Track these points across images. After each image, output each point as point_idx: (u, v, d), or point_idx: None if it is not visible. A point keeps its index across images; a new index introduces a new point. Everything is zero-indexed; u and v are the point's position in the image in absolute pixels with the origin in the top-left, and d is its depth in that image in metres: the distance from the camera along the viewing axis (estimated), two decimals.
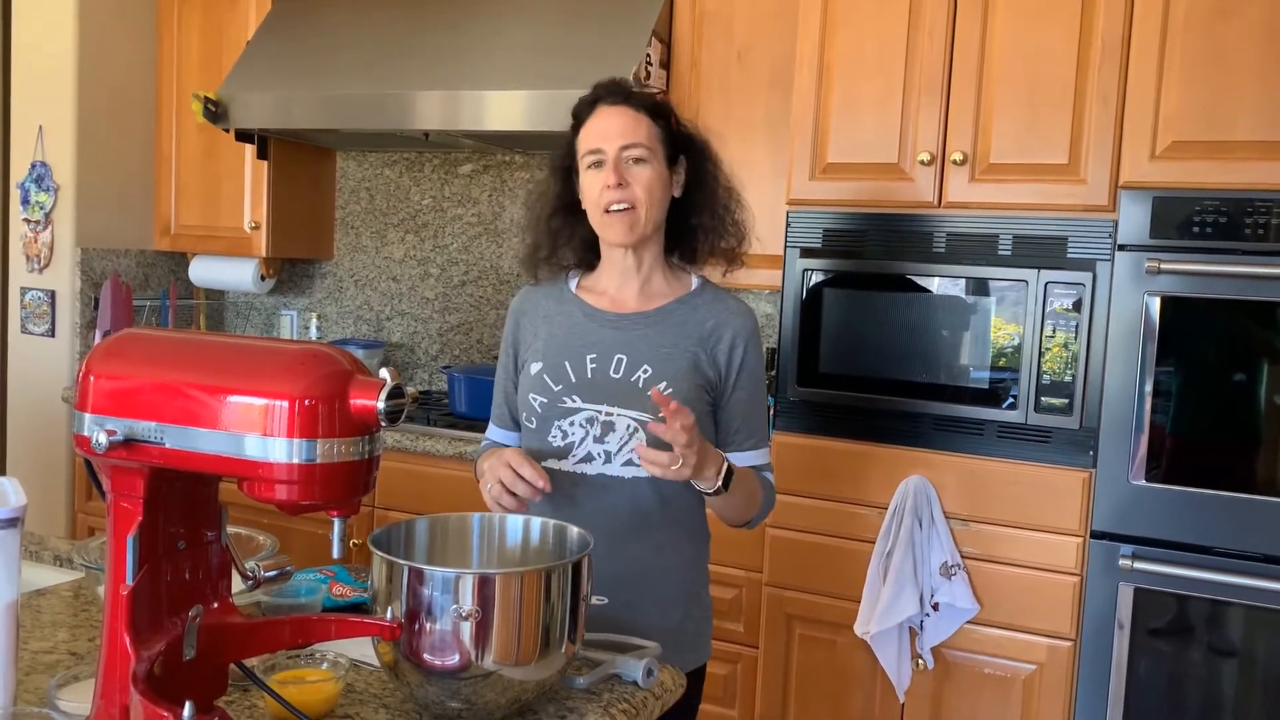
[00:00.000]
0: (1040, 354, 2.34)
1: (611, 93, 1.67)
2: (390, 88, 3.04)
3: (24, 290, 3.67)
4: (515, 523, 1.44)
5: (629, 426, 1.63)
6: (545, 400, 1.67)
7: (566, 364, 1.67)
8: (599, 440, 1.64)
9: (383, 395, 1.03)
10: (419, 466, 3.02)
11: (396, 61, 3.10)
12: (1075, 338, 2.31)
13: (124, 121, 3.66)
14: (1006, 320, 2.37)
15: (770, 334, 3.08)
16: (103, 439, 1.02)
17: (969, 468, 2.40)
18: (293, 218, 3.65)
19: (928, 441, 2.44)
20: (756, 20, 2.87)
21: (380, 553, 1.21)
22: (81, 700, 1.13)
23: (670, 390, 1.63)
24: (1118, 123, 2.28)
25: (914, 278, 2.45)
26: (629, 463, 1.63)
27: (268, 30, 3.36)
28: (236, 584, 1.19)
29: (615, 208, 1.62)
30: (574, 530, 1.38)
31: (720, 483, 1.56)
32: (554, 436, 1.66)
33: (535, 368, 1.70)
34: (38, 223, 3.59)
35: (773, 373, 2.71)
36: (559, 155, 1.73)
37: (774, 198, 2.74)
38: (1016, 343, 2.36)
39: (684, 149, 1.71)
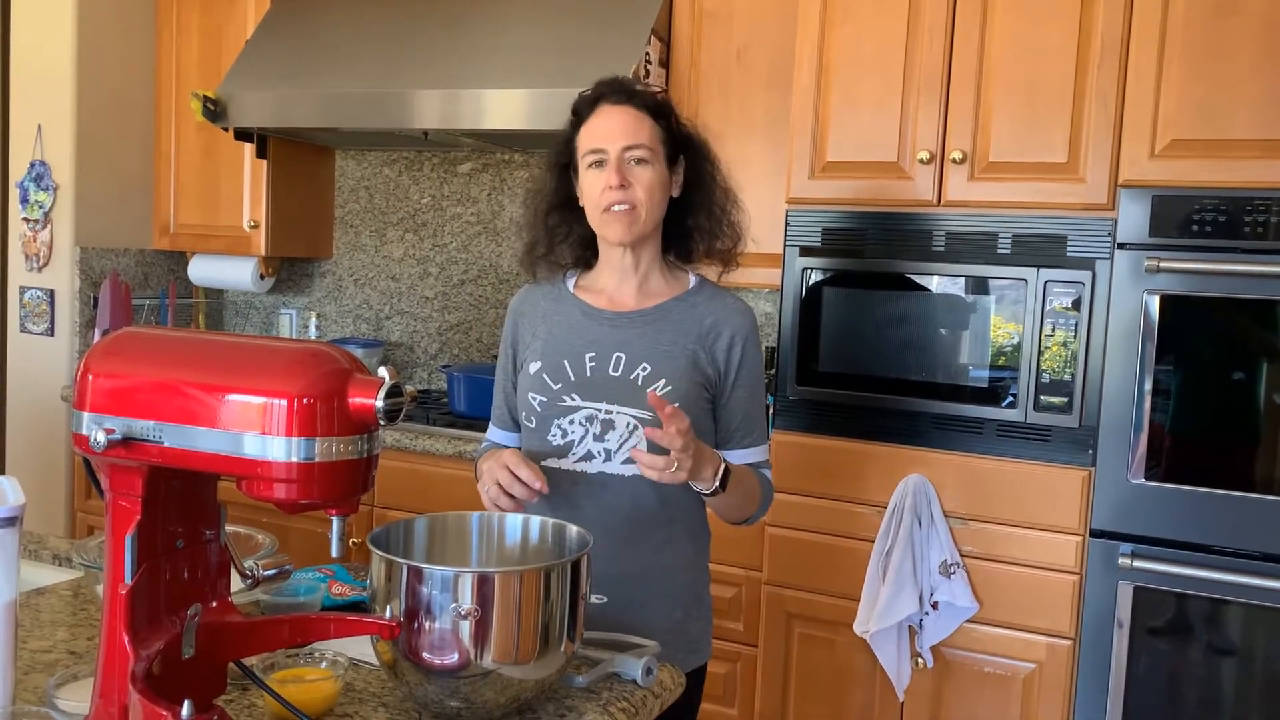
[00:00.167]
0: (1039, 353, 2.34)
1: (614, 91, 1.67)
2: (389, 86, 3.04)
3: (23, 289, 3.67)
4: (514, 521, 1.44)
5: (628, 424, 1.63)
6: (544, 399, 1.67)
7: (565, 363, 1.67)
8: (599, 438, 1.64)
9: (381, 394, 1.03)
10: (418, 465, 3.02)
11: (395, 60, 3.10)
12: (1074, 336, 2.31)
13: (123, 121, 3.66)
14: (1006, 319, 2.37)
15: (769, 333, 3.08)
16: (101, 438, 1.02)
17: (968, 466, 2.40)
18: (292, 217, 3.65)
19: (927, 440, 2.44)
20: (756, 19, 2.87)
21: (379, 551, 1.21)
22: (80, 699, 1.13)
23: (669, 388, 1.63)
24: (1117, 121, 2.28)
25: (913, 276, 2.45)
26: (629, 461, 1.63)
27: (266, 29, 3.36)
28: (235, 583, 1.19)
29: (617, 208, 1.62)
30: (573, 529, 1.38)
31: (717, 483, 1.56)
32: (553, 435, 1.66)
33: (534, 367, 1.70)
34: (37, 222, 3.59)
35: (772, 371, 2.71)
36: (557, 151, 1.73)
37: (773, 196, 2.74)
38: (1016, 341, 2.36)
39: (683, 149, 1.70)
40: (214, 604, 1.15)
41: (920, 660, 2.43)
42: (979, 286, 2.39)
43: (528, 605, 1.18)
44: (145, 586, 1.06)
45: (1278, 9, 2.15)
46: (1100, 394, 2.29)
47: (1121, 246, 2.26)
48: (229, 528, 1.20)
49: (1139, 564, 2.25)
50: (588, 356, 1.67)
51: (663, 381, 1.63)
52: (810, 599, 2.56)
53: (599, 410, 1.64)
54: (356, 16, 3.26)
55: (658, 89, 1.76)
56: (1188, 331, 2.22)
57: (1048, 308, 2.32)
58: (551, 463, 1.66)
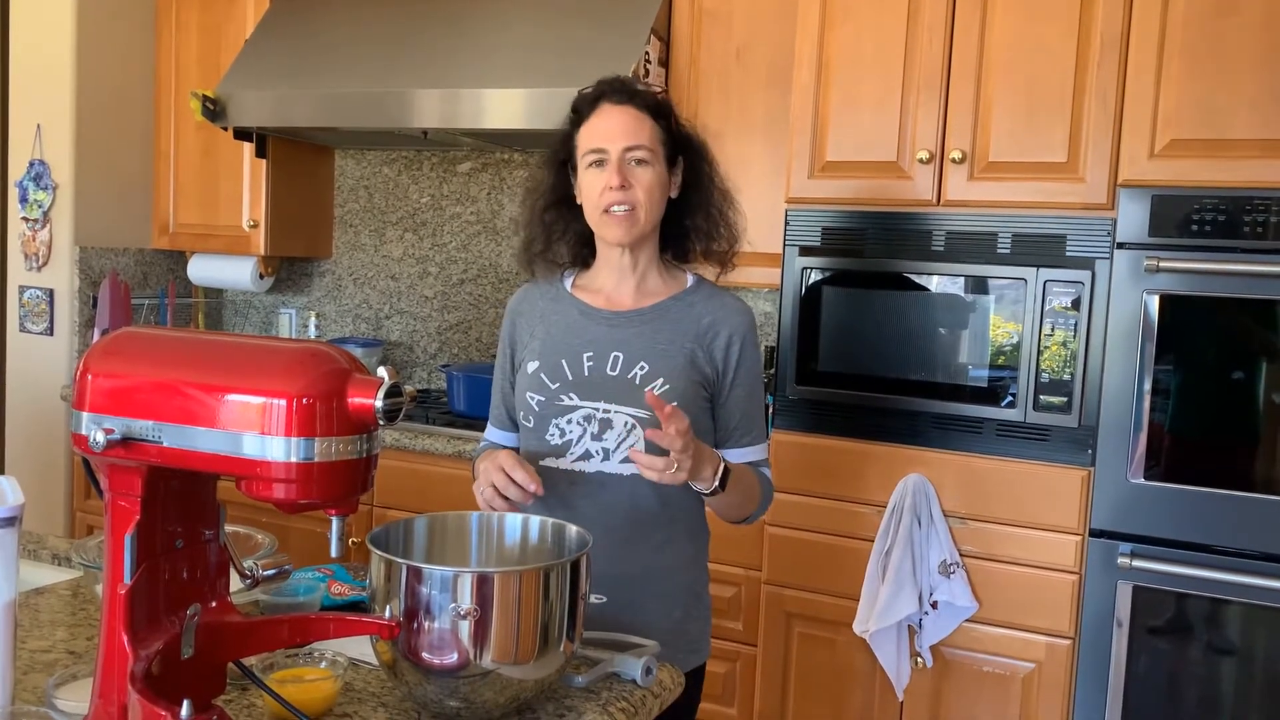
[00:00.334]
0: (1039, 352, 2.34)
1: (616, 91, 1.66)
2: (388, 86, 3.04)
3: (22, 289, 3.67)
4: (514, 521, 1.44)
5: (626, 423, 1.63)
6: (542, 399, 1.67)
7: (563, 362, 1.67)
8: (596, 438, 1.64)
9: (381, 394, 1.03)
10: (417, 465, 3.02)
11: (395, 60, 3.10)
12: (1074, 336, 2.31)
13: (122, 120, 3.66)
14: (1005, 319, 2.37)
15: (769, 332, 3.08)
16: (100, 438, 1.02)
17: (968, 466, 2.40)
18: (291, 216, 3.65)
19: (926, 440, 2.44)
20: (755, 18, 2.87)
21: (379, 551, 1.21)
22: (80, 699, 1.13)
23: (667, 387, 1.63)
24: (1116, 121, 2.28)
25: (913, 276, 2.45)
26: (627, 460, 1.63)
27: (266, 28, 3.36)
28: (235, 583, 1.19)
29: (616, 209, 1.62)
30: (573, 529, 1.38)
31: (717, 483, 1.56)
32: (551, 435, 1.66)
33: (532, 366, 1.70)
34: (36, 221, 3.59)
35: (771, 371, 2.71)
36: (556, 149, 1.73)
37: (773, 196, 2.74)
38: (1015, 341, 2.36)
39: (682, 150, 1.70)
40: (213, 604, 1.15)
41: (920, 660, 2.43)
42: (978, 286, 2.39)
43: (527, 605, 1.18)
44: (144, 586, 1.06)
45: (1278, 9, 2.15)
46: (1100, 394, 2.29)
47: (1121, 246, 2.26)
48: (228, 527, 1.20)
49: (1138, 564, 2.25)
50: (585, 356, 1.67)
51: (660, 380, 1.63)
52: (810, 598, 2.56)
53: (597, 409, 1.64)
54: (356, 16, 3.26)
55: (658, 89, 1.76)
56: (1187, 331, 2.22)
57: (1047, 307, 2.32)
58: (549, 462, 1.66)
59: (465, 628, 1.15)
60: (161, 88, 3.68)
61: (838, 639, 2.53)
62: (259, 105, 3.20)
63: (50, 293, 3.62)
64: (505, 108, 2.89)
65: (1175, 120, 2.23)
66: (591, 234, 1.71)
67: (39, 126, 3.57)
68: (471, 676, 1.16)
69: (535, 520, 1.43)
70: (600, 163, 1.63)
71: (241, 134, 3.41)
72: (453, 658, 1.15)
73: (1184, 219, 2.21)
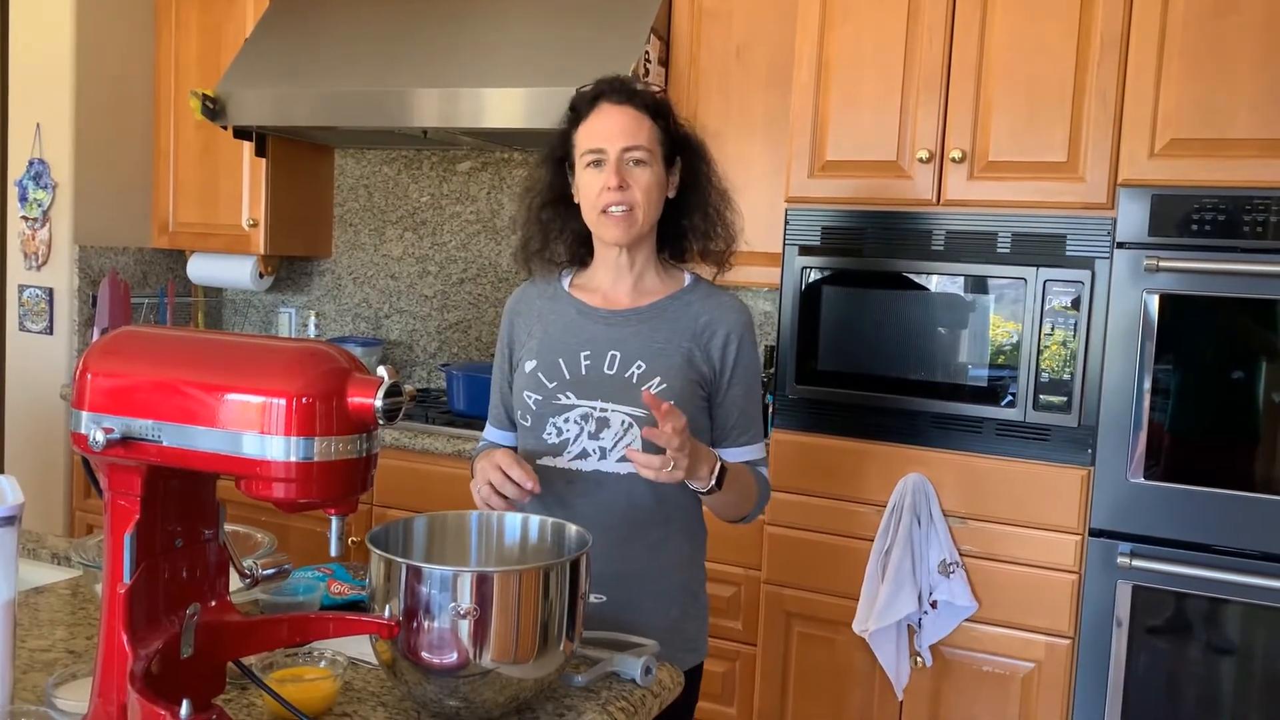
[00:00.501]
0: (1039, 352, 2.34)
1: (614, 90, 1.66)
2: (388, 85, 3.04)
3: (22, 288, 3.67)
4: (514, 521, 1.44)
5: (623, 422, 1.63)
6: (540, 398, 1.67)
7: (560, 361, 1.67)
8: (594, 437, 1.64)
9: (380, 393, 1.03)
10: (417, 464, 3.02)
11: (394, 59, 3.10)
12: (1074, 335, 2.31)
13: (122, 119, 3.66)
14: (1005, 318, 2.37)
15: (769, 332, 3.08)
16: (100, 437, 1.02)
17: (967, 465, 2.40)
18: (291, 215, 3.64)
19: (926, 439, 2.44)
20: (755, 17, 2.87)
21: (378, 551, 1.21)
22: (79, 699, 1.13)
23: (664, 386, 1.63)
24: (1116, 120, 2.28)
25: (912, 275, 2.45)
26: (624, 459, 1.63)
27: (266, 27, 3.36)
28: (234, 582, 1.19)
29: (615, 210, 1.62)
30: (572, 528, 1.38)
31: (713, 481, 1.56)
32: (549, 434, 1.66)
33: (529, 366, 1.70)
34: (35, 220, 3.59)
35: (771, 370, 2.71)
36: (553, 147, 1.72)
37: (772, 195, 2.74)
38: (1015, 340, 2.36)
39: (680, 149, 1.70)
40: (213, 603, 1.15)
41: (919, 659, 2.43)
42: (978, 286, 2.39)
43: (527, 604, 1.18)
44: (144, 586, 1.06)
45: (1277, 9, 2.15)
46: (1099, 393, 2.29)
47: (1121, 246, 2.26)
48: (228, 527, 1.20)
49: (1138, 563, 2.25)
50: (583, 355, 1.67)
51: (657, 379, 1.63)
52: (809, 598, 2.56)
53: (594, 408, 1.64)
54: (355, 15, 3.26)
55: (657, 88, 1.76)
56: (1187, 331, 2.22)
57: (1047, 307, 2.32)
58: (547, 461, 1.66)
59: (465, 627, 1.15)
60: (161, 87, 3.68)
61: (837, 638, 2.53)
62: (259, 104, 3.20)
63: (50, 292, 3.61)
64: (505, 107, 2.89)
65: (1175, 120, 2.23)
66: (589, 233, 1.71)
67: (38, 125, 3.57)
68: (471, 676, 1.16)
69: (535, 519, 1.43)
70: (598, 163, 1.63)
71: (241, 133, 3.41)
72: (452, 657, 1.15)
73: (1184, 219, 2.21)
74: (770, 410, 2.65)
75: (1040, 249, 2.33)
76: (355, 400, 1.03)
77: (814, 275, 2.54)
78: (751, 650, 2.66)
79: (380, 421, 1.03)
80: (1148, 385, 2.25)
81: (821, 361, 2.54)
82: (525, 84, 2.86)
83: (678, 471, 1.48)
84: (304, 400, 1.01)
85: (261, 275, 3.73)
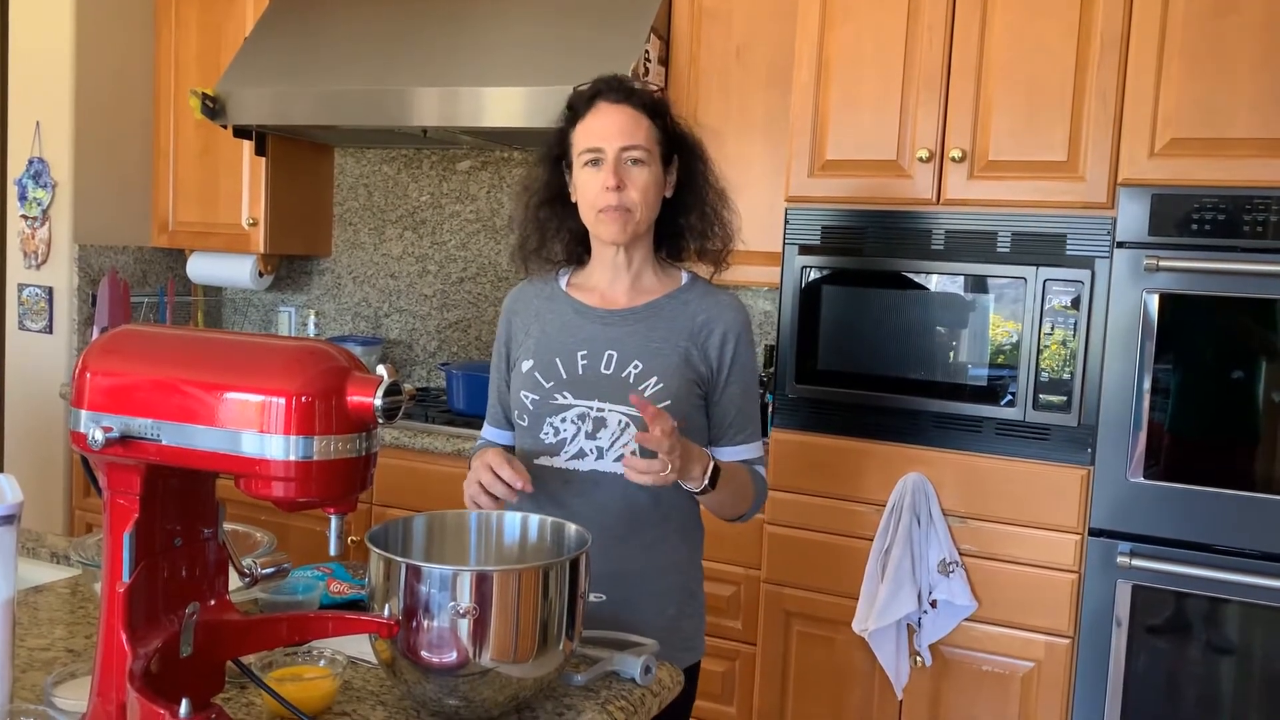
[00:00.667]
0: (1039, 351, 2.33)
1: (612, 89, 1.66)
2: (388, 84, 3.04)
3: (21, 287, 3.67)
4: (513, 520, 1.44)
5: (620, 422, 1.63)
6: (537, 397, 1.67)
7: (557, 361, 1.67)
8: (591, 436, 1.64)
9: (380, 392, 1.03)
10: (417, 463, 3.02)
11: (394, 58, 3.10)
12: (1074, 335, 2.31)
13: (122, 118, 3.66)
14: (1005, 317, 2.37)
15: (769, 331, 3.08)
16: (99, 436, 1.02)
17: (967, 465, 2.40)
18: (291, 214, 3.64)
19: (926, 439, 2.44)
20: (755, 17, 2.87)
21: (378, 550, 1.21)
22: (78, 698, 1.13)
23: (660, 385, 1.62)
24: (1116, 120, 2.27)
25: (912, 275, 2.45)
26: (621, 459, 1.63)
27: (265, 26, 3.35)
28: (234, 581, 1.19)
29: (613, 210, 1.62)
30: (572, 527, 1.38)
31: (706, 481, 1.56)
32: (546, 433, 1.66)
33: (527, 365, 1.70)
34: (35, 219, 3.59)
35: (771, 370, 2.71)
36: (550, 145, 1.72)
37: (772, 195, 2.74)
38: (1015, 340, 2.36)
39: (678, 148, 1.70)
40: (212, 602, 1.15)
41: (919, 659, 2.43)
42: (978, 285, 2.39)
43: (526, 604, 1.18)
44: (143, 585, 1.06)
45: (1277, 9, 2.15)
46: (1099, 393, 2.29)
47: (1121, 245, 2.26)
48: (227, 525, 1.20)
49: (1137, 563, 2.25)
50: (580, 354, 1.67)
51: (654, 379, 1.63)
52: (809, 597, 2.56)
53: (591, 408, 1.64)
54: (355, 14, 3.26)
55: (655, 87, 1.76)
56: (1187, 330, 2.22)
57: (1047, 306, 2.32)
58: (544, 461, 1.66)
59: (464, 626, 1.15)
60: (161, 85, 3.68)
61: (837, 638, 2.53)
62: (258, 103, 3.20)
63: (49, 290, 3.61)
64: (505, 106, 2.89)
65: (1175, 120, 2.23)
66: (586, 232, 1.70)
67: (38, 124, 3.57)
68: (470, 675, 1.16)
69: (534, 519, 1.43)
70: (596, 162, 1.63)
71: (241, 132, 3.41)
72: (452, 656, 1.15)
73: (1184, 218, 2.21)
74: (770, 409, 2.65)
75: (1040, 248, 2.33)
76: (355, 399, 1.03)
77: (814, 274, 2.54)
78: (751, 649, 2.66)
79: (380, 420, 1.03)
80: (1147, 385, 2.25)
81: (821, 361, 2.54)
82: (525, 83, 2.86)
83: (671, 473, 1.48)
84: (303, 399, 1.00)
85: (261, 274, 3.73)
